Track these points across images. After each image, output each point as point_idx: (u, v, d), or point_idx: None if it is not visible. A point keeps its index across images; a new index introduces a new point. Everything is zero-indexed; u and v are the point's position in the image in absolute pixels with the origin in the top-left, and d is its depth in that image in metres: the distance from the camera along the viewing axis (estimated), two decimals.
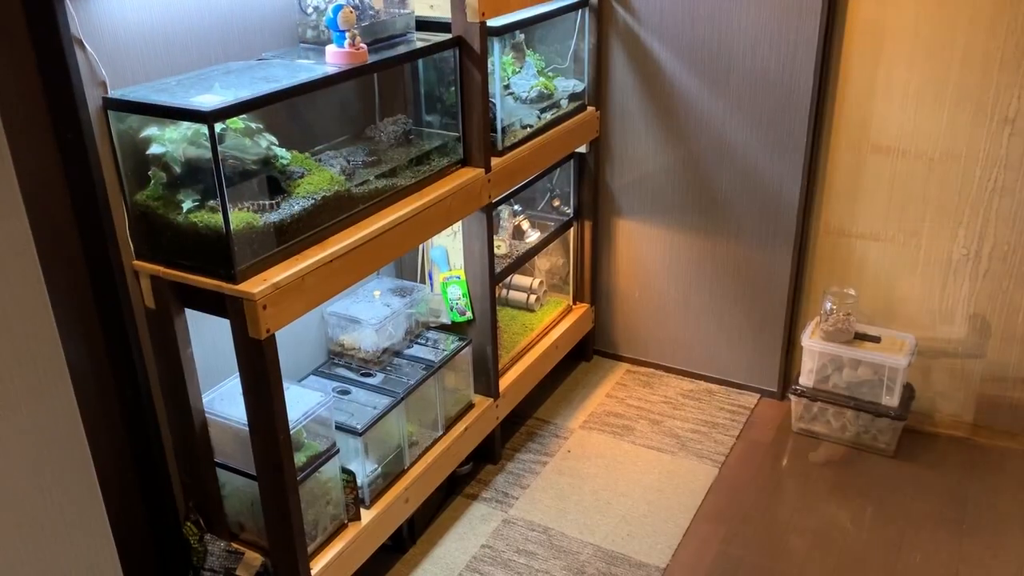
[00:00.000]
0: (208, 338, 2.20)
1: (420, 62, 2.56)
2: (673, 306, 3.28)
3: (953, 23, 2.58)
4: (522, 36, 2.89)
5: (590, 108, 3.04)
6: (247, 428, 2.01)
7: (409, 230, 2.22)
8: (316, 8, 2.24)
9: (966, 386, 2.95)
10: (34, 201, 1.81)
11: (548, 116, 2.81)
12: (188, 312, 1.99)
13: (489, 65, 2.43)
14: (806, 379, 2.95)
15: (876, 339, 2.89)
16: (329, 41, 2.11)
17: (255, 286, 1.81)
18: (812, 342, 2.90)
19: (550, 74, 2.96)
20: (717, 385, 3.30)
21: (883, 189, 2.86)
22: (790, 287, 3.04)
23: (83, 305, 1.94)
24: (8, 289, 1.02)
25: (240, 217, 1.84)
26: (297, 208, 1.95)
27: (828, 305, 2.90)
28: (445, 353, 2.58)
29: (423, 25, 2.44)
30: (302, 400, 2.15)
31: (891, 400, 2.84)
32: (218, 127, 1.80)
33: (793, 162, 2.87)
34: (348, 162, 2.22)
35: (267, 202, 1.94)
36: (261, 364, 1.87)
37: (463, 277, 2.63)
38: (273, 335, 1.87)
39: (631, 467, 2.87)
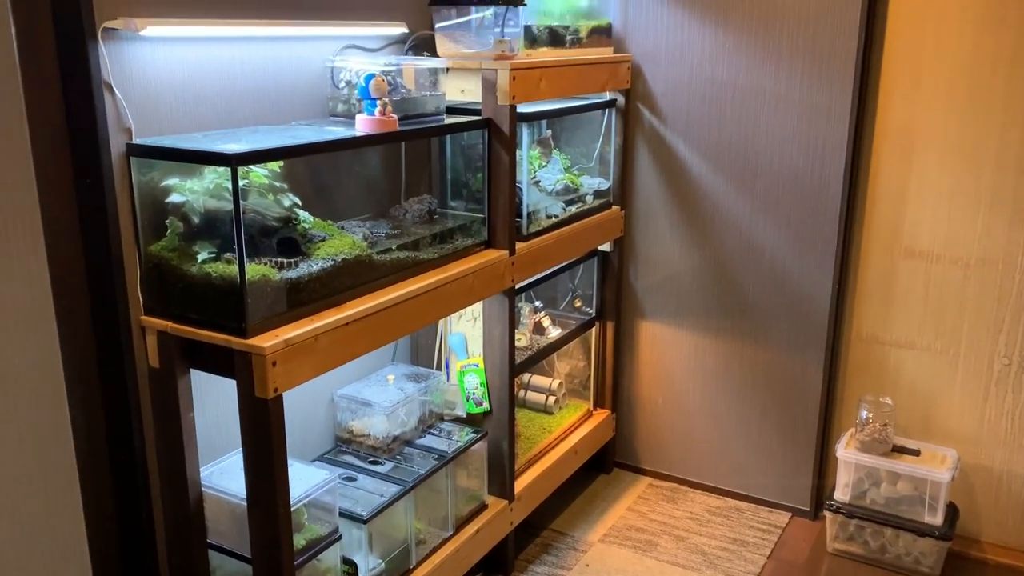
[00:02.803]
0: (211, 414, 2.09)
1: (448, 147, 2.55)
2: (698, 415, 3.13)
3: (985, 127, 2.56)
4: (549, 132, 2.90)
5: (615, 207, 3.01)
6: (245, 504, 1.86)
7: (429, 303, 2.13)
8: (348, 82, 2.25)
9: (1015, 508, 2.75)
10: (46, 246, 1.75)
11: (573, 209, 2.78)
12: (194, 381, 1.89)
13: (517, 154, 2.41)
14: (841, 494, 2.76)
15: (915, 452, 2.72)
16: (360, 112, 2.10)
17: (266, 341, 1.71)
18: (848, 453, 2.73)
19: (576, 172, 2.95)
20: (745, 503, 3.10)
21: (917, 295, 2.77)
22: (822, 397, 2.90)
23: (84, 360, 1.84)
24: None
25: (256, 270, 1.76)
26: (316, 268, 1.88)
27: (864, 414, 2.75)
28: (459, 444, 2.44)
29: (453, 112, 2.43)
30: (305, 477, 2.00)
31: (934, 519, 2.64)
32: (241, 182, 1.76)
33: (823, 265, 2.80)
34: (371, 232, 2.17)
35: (285, 260, 1.87)
36: (266, 427, 1.74)
37: (481, 365, 2.52)
38: (280, 397, 1.76)
39: None
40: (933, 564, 2.66)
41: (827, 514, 2.78)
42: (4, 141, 1.01)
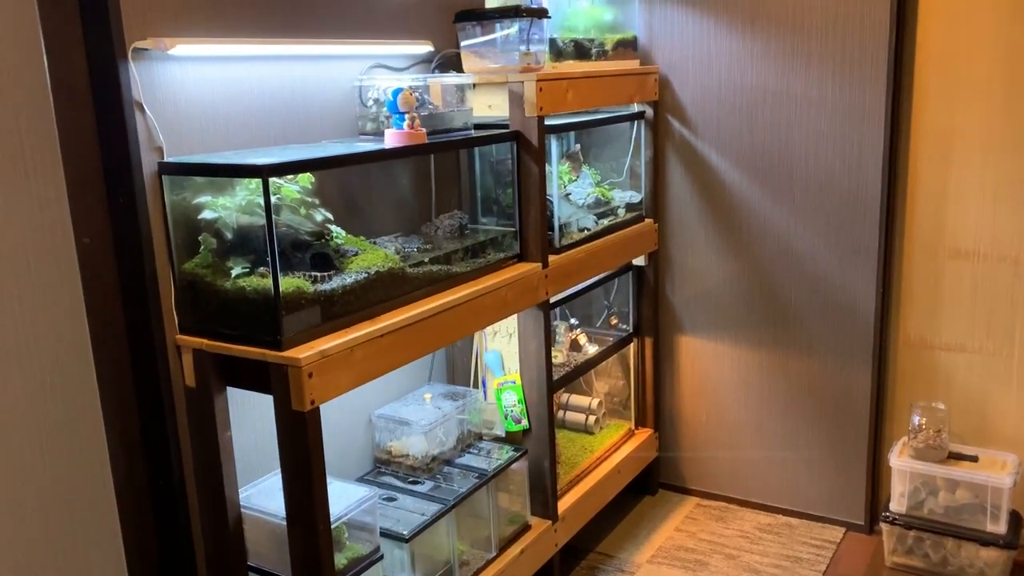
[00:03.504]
0: (249, 435, 2.07)
1: (478, 163, 2.55)
2: (744, 431, 3.05)
3: None
4: (578, 146, 2.88)
5: (648, 220, 2.98)
6: (284, 523, 1.83)
7: (464, 315, 2.10)
8: (376, 100, 2.25)
9: None
10: (80, 267, 1.76)
11: (606, 222, 2.75)
12: (231, 404, 1.87)
13: (546, 167, 2.40)
14: (897, 504, 2.66)
15: (973, 458, 2.62)
16: (389, 128, 2.10)
17: (301, 353, 1.69)
18: (901, 461, 2.64)
19: (607, 186, 2.93)
20: (797, 519, 3.00)
21: (965, 296, 2.68)
22: (871, 405, 2.81)
23: (120, 383, 1.83)
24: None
25: (290, 282, 1.75)
26: (349, 281, 1.87)
27: (916, 420, 2.66)
28: (499, 462, 2.39)
29: (481, 128, 2.43)
30: (345, 495, 1.97)
31: (997, 527, 2.53)
32: (273, 198, 1.76)
33: (866, 269, 2.73)
34: (403, 247, 2.15)
35: (319, 274, 1.85)
36: (303, 440, 1.72)
37: (518, 382, 2.48)
38: (318, 410, 1.73)
39: None
40: (999, 575, 2.54)
41: (883, 526, 2.68)
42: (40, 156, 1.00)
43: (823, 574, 2.68)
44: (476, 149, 2.54)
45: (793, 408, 2.94)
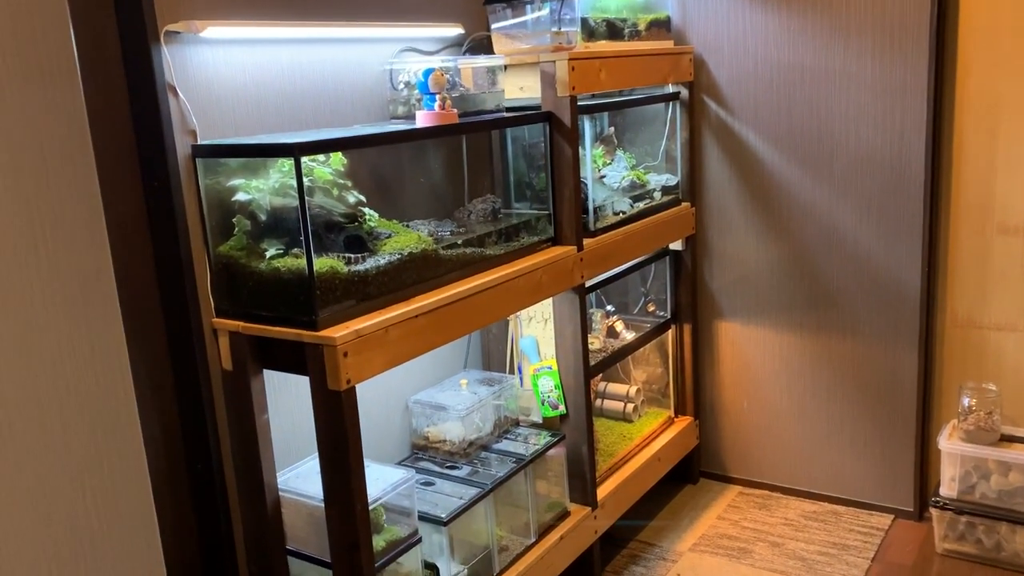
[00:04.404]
0: (286, 420, 2.06)
1: (510, 146, 2.52)
2: (787, 417, 2.99)
3: None
4: (612, 129, 2.85)
5: (684, 203, 2.93)
6: (322, 506, 1.82)
7: (498, 297, 2.08)
8: (407, 83, 2.24)
9: None
10: (114, 253, 1.77)
11: (641, 205, 2.71)
12: (268, 390, 1.88)
13: (580, 150, 2.37)
14: (948, 489, 2.59)
15: None
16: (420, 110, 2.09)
17: (336, 332, 1.68)
18: (951, 445, 2.56)
19: (642, 170, 2.89)
20: (843, 506, 2.94)
21: (1015, 273, 2.60)
22: (919, 388, 2.74)
23: (158, 368, 1.84)
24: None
25: (324, 262, 1.74)
26: (383, 262, 1.85)
27: (966, 401, 2.58)
28: (536, 447, 2.37)
29: (513, 111, 2.41)
30: (383, 477, 1.96)
31: None
32: (306, 180, 1.75)
33: (910, 249, 2.66)
34: (436, 230, 2.14)
35: (352, 255, 1.85)
36: (339, 420, 1.70)
37: (555, 367, 2.45)
38: (353, 389, 1.72)
39: None
40: None
41: (934, 512, 2.61)
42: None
43: (872, 561, 2.62)
44: (508, 132, 2.51)
45: (837, 393, 2.88)
